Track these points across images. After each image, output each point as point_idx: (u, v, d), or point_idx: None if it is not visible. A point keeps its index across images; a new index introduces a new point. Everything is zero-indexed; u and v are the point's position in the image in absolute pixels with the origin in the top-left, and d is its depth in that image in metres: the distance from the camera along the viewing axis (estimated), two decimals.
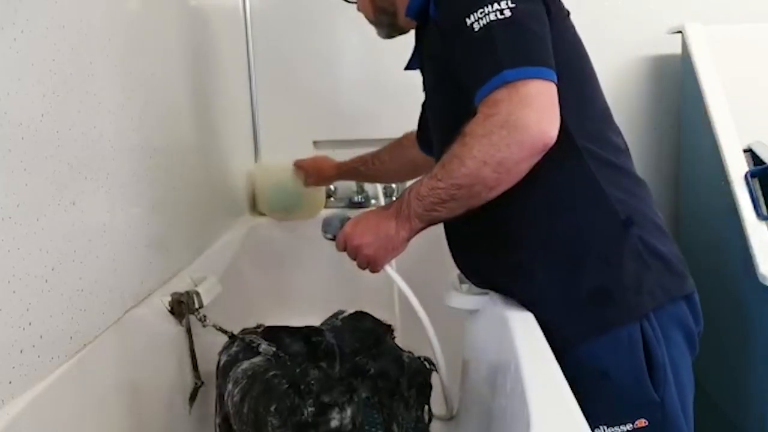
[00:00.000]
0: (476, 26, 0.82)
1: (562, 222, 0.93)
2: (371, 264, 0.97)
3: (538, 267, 0.94)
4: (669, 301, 0.92)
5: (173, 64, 1.37)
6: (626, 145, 1.01)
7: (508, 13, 0.81)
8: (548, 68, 0.81)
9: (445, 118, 1.04)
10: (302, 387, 0.84)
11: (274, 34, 1.95)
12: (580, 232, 0.93)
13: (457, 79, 0.90)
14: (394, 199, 2.11)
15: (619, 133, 1.00)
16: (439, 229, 1.04)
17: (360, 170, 1.57)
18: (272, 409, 0.83)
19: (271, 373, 0.88)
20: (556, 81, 0.82)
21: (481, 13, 0.82)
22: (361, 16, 1.18)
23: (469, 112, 0.85)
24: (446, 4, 0.91)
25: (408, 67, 1.16)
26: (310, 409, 0.82)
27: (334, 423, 0.81)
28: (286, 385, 0.85)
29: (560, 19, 0.93)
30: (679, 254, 0.98)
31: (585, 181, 0.92)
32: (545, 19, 0.86)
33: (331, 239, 1.04)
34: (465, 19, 0.83)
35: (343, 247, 1.00)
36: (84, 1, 0.99)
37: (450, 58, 0.91)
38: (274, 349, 0.96)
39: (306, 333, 1.01)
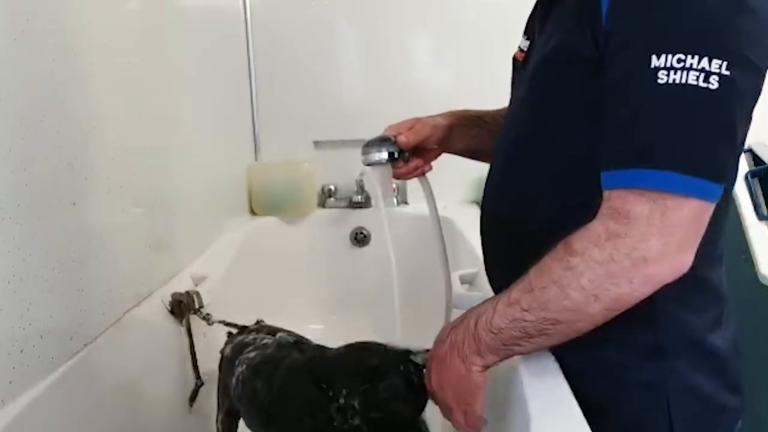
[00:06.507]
0: (663, 76, 0.59)
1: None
2: (466, 415, 0.73)
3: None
4: None
5: (173, 64, 1.37)
6: None
7: (714, 84, 0.58)
8: (722, 184, 0.62)
9: (525, 108, 0.80)
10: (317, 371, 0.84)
11: (274, 34, 1.95)
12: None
13: (578, 92, 0.69)
14: (395, 191, 2.10)
15: None
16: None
17: (482, 125, 1.03)
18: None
19: (294, 356, 0.89)
20: (719, 198, 0.62)
21: (678, 61, 0.58)
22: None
23: (563, 136, 0.71)
24: (632, 8, 0.63)
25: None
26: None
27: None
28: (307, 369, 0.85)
29: None
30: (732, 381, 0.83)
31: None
32: (756, 94, 0.64)
33: (378, 162, 0.90)
34: (651, 56, 0.60)
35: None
36: (84, 2, 0.99)
37: (577, 55, 0.68)
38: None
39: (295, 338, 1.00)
